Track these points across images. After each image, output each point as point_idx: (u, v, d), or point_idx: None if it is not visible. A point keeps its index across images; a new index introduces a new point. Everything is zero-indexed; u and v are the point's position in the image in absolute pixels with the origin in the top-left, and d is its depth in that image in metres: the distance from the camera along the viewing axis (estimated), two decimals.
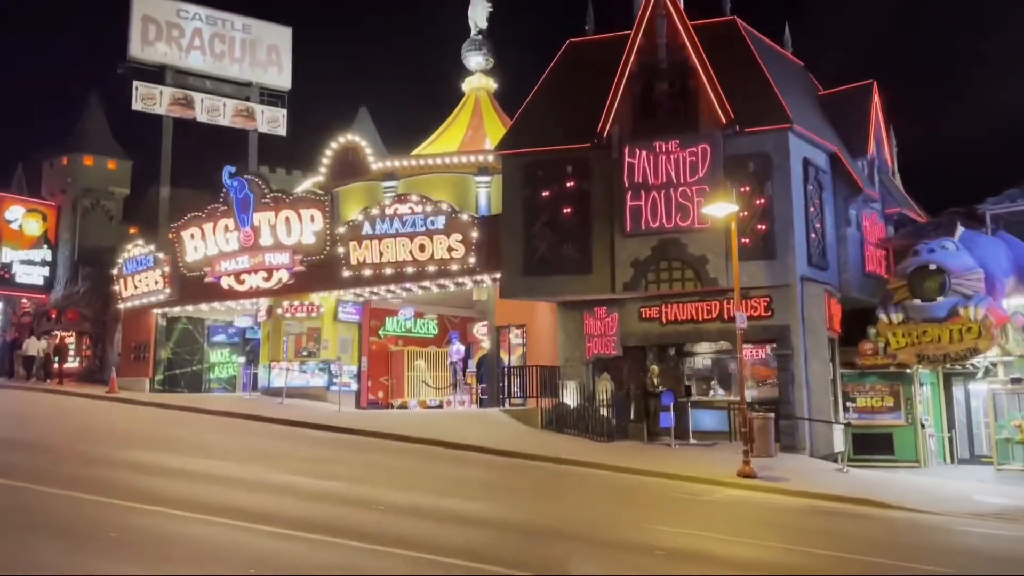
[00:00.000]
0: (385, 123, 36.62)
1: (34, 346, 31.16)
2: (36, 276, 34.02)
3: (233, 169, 25.90)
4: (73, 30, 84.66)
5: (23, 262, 33.82)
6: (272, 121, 35.70)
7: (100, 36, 75.43)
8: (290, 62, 36.31)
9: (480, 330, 27.85)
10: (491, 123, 28.91)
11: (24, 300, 34.79)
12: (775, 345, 18.82)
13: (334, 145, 27.07)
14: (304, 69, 37.06)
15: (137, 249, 28.96)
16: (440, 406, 26.26)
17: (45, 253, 34.24)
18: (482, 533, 9.71)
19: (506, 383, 22.02)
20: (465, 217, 22.53)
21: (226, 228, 25.42)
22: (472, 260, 22.06)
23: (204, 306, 27.79)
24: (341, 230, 23.70)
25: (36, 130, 72.65)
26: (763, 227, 18.77)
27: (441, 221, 22.37)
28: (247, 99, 35.25)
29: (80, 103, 37.57)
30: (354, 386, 25.54)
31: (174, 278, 27.22)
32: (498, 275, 21.42)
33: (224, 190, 25.43)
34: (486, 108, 29.66)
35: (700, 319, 19.39)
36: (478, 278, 22.69)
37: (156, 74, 33.29)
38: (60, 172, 34.71)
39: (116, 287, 29.86)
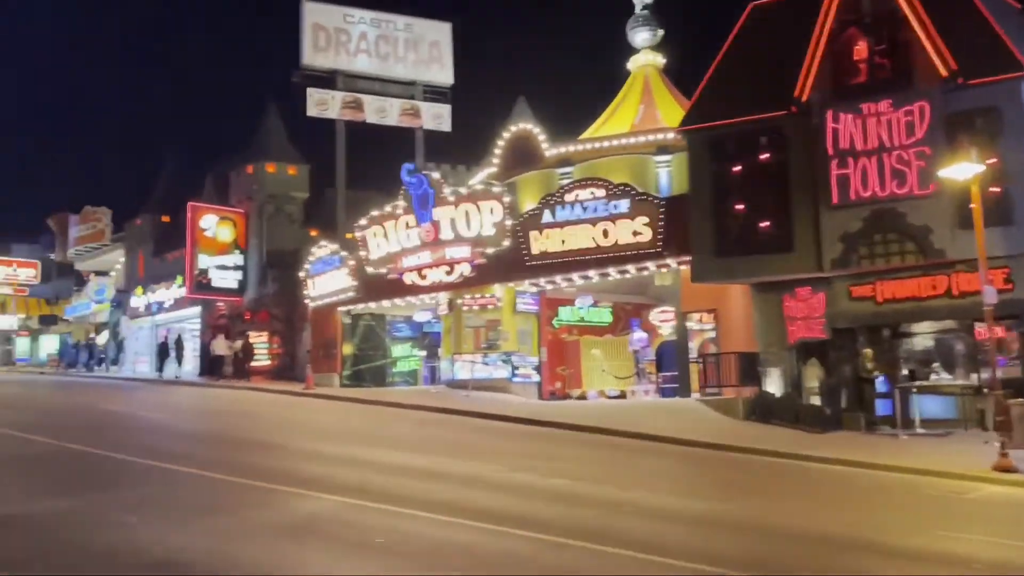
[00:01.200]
0: (543, 111, 35.96)
1: (221, 346, 33.15)
2: (231, 280, 36.21)
3: (412, 167, 26.24)
4: (245, 42, 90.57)
5: (218, 267, 36.07)
6: (437, 117, 36.13)
7: (268, 45, 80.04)
8: (451, 58, 36.60)
9: (658, 316, 26.81)
10: (663, 100, 27.73)
11: (220, 303, 37.16)
12: (1014, 321, 16.78)
13: (506, 135, 26.86)
14: (460, 62, 37.02)
15: (323, 250, 30.04)
16: (622, 396, 25.57)
17: (237, 258, 36.35)
18: (756, 541, 8.96)
19: (702, 371, 20.95)
20: (650, 199, 21.60)
21: (407, 225, 25.78)
22: (659, 244, 21.13)
23: (386, 302, 28.44)
24: (525, 218, 23.36)
25: (220, 141, 78.41)
26: (996, 190, 16.72)
27: (625, 204, 21.53)
28: (412, 97, 35.87)
29: (257, 112, 39.57)
30: (535, 377, 25.30)
31: (359, 276, 28.02)
32: (686, 258, 20.39)
33: (403, 187, 25.80)
34: (656, 85, 28.49)
35: (923, 296, 17.58)
36: (664, 262, 21.73)
37: (327, 79, 34.45)
38: (246, 180, 36.66)
39: (304, 286, 31.17)
